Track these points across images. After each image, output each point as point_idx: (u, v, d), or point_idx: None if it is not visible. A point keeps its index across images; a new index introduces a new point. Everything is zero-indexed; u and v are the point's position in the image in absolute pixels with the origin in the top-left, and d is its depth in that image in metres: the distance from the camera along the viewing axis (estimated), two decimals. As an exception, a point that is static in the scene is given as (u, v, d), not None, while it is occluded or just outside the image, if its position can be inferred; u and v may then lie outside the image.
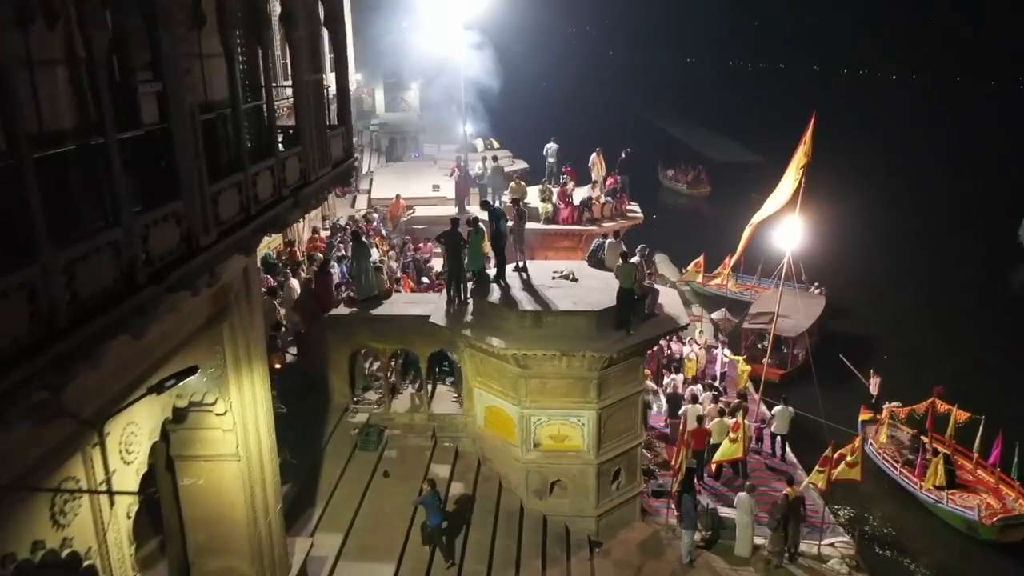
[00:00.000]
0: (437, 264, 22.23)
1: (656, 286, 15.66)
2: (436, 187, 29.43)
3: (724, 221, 44.34)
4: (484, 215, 16.91)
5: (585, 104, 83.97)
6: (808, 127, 19.18)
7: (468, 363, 15.69)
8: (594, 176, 24.20)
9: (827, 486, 15.73)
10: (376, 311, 16.03)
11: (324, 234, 23.25)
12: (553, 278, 16.20)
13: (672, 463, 16.31)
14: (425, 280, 20.84)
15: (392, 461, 15.23)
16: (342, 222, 26.40)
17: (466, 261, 16.00)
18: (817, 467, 15.83)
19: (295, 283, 17.33)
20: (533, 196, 23.78)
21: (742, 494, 15.33)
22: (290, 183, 8.62)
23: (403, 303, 16.54)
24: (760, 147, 64.39)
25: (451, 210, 25.13)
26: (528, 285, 15.87)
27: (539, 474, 15.31)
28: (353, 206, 30.51)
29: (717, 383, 21.77)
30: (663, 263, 37.40)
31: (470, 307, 15.62)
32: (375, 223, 23.57)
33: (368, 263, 16.07)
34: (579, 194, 23.60)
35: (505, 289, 15.67)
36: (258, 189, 7.89)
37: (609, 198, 23.22)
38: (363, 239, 16.59)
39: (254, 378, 9.14)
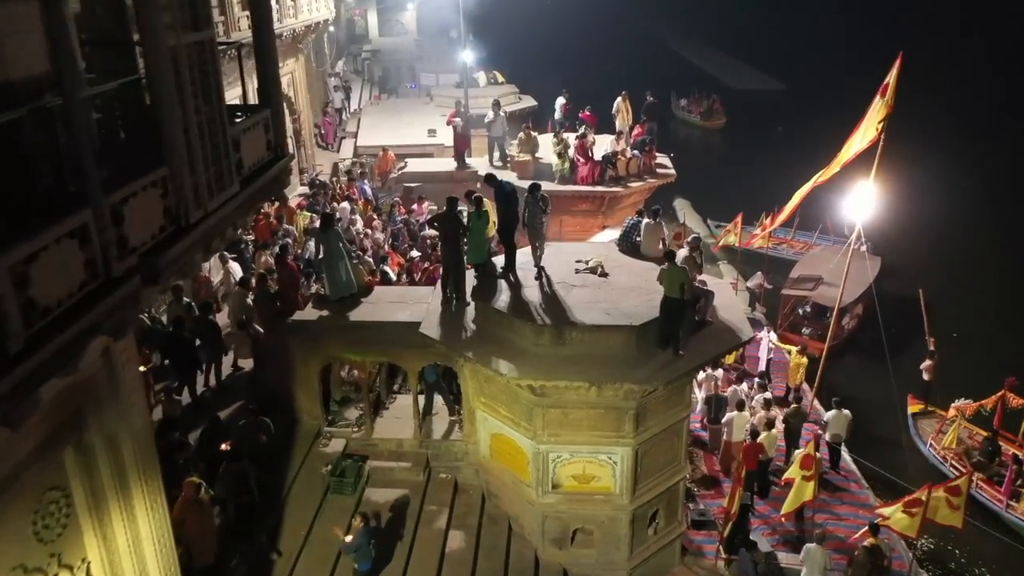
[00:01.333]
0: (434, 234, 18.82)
1: (709, 286, 12.19)
2: (432, 132, 25.58)
3: (739, 157, 40.54)
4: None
5: (591, 24, 78.11)
6: (892, 70, 15.33)
7: (469, 380, 12.45)
8: (618, 125, 20.38)
9: (918, 533, 12.67)
10: (353, 315, 12.65)
11: (299, 199, 19.69)
12: (576, 272, 12.78)
13: (727, 507, 13.19)
14: (416, 254, 17.38)
15: (374, 507, 12.13)
16: (323, 176, 22.76)
17: (466, 251, 12.61)
18: (902, 506, 12.74)
19: (235, 267, 13.96)
20: (545, 147, 20.04)
21: (812, 545, 12.29)
22: (136, 244, 5.10)
23: (387, 302, 13.13)
24: (782, 73, 59.72)
25: (450, 164, 21.46)
26: (544, 283, 12.45)
27: (558, 520, 12.25)
28: (339, 151, 26.76)
29: (760, 374, 18.54)
30: (685, 209, 33.81)
31: (471, 312, 12.27)
32: (358, 182, 19.90)
33: (342, 254, 12.57)
34: (600, 147, 19.82)
35: (515, 289, 12.27)
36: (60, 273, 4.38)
37: (636, 152, 19.51)
38: (335, 223, 12.94)
39: (136, 513, 5.86)
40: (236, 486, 9.65)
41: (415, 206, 20.16)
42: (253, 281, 13.56)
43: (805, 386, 18.62)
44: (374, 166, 22.13)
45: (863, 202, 16.51)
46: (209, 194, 5.62)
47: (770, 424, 15.09)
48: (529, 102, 32.07)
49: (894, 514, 12.46)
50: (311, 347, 12.56)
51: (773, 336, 19.11)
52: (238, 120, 6.63)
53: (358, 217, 17.76)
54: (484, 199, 12.79)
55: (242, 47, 9.06)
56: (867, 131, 15.78)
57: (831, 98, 50.31)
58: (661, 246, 13.41)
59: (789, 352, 18.64)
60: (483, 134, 28.97)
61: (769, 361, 18.99)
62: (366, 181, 20.05)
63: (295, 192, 21.13)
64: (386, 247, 17.65)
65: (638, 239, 13.59)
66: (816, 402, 18.08)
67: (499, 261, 12.99)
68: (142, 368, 11.67)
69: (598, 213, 19.38)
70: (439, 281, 12.98)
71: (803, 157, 40.34)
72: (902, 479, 17.89)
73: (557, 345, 11.21)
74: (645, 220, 13.49)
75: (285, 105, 21.66)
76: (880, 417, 19.13)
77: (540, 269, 12.52)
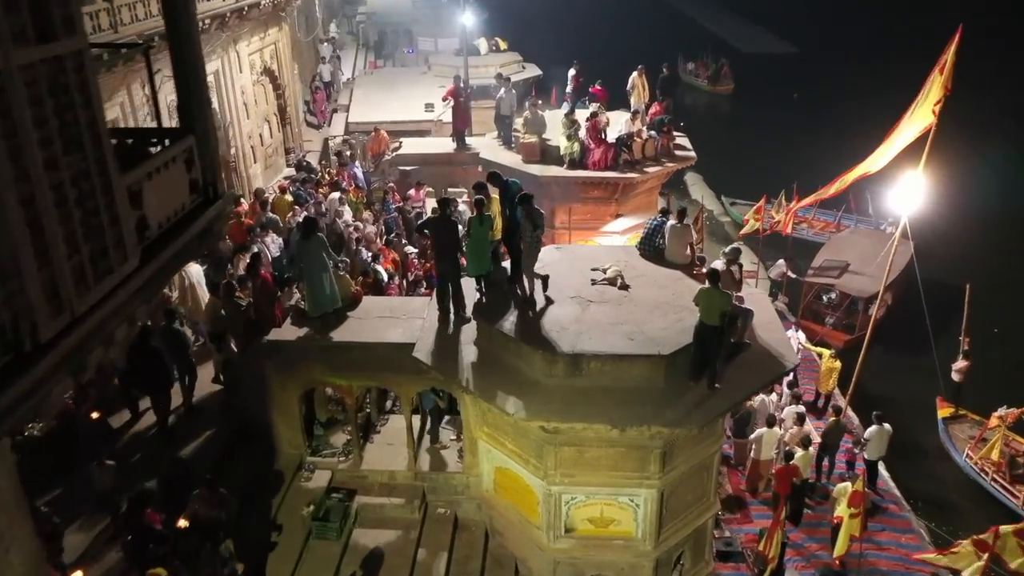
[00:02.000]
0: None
1: (747, 303, 10.54)
2: (430, 107, 23.70)
3: (750, 125, 38.45)
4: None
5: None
6: (950, 47, 13.49)
7: (470, 407, 10.90)
8: (633, 103, 18.54)
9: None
10: (337, 334, 11.03)
11: (281, 180, 17.91)
12: (593, 283, 11.14)
13: (761, 548, 11.73)
14: (412, 250, 15.74)
15: (362, 552, 10.67)
16: (310, 157, 20.96)
17: (466, 261, 10.99)
18: (966, 545, 11.24)
19: (195, 269, 12.36)
20: (553, 126, 18.20)
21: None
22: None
23: (377, 318, 11.50)
24: (794, 35, 57.29)
25: (449, 144, 19.66)
26: (556, 298, 10.82)
27: (572, 567, 10.78)
28: (329, 125, 24.87)
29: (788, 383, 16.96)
30: (697, 184, 32.05)
31: (472, 333, 10.67)
32: (349, 167, 18.13)
33: (325, 265, 10.91)
34: (614, 126, 18.00)
35: (524, 305, 10.64)
36: None
37: (653, 132, 17.71)
38: (317, 229, 11.21)
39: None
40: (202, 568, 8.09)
41: (411, 192, 18.44)
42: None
43: (837, 392, 17.06)
44: (366, 147, 20.34)
45: (910, 194, 14.77)
46: (79, 288, 3.94)
47: (805, 442, 13.59)
48: (533, 71, 30.09)
49: (953, 561, 10.97)
50: (289, 371, 10.98)
51: (801, 336, 17.51)
52: (153, 151, 4.82)
53: (347, 208, 16.07)
54: (486, 199, 11.07)
55: (149, 46, 7.03)
56: (921, 113, 13.98)
57: (847, 63, 48.16)
58: (689, 251, 11.79)
59: (820, 355, 17.03)
60: (483, 106, 27.26)
61: (796, 365, 17.38)
62: (357, 164, 18.29)
63: (280, 175, 19.41)
64: (379, 242, 15.98)
65: (662, 243, 11.94)
66: (850, 410, 16.54)
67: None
68: (94, 415, 10.24)
69: (611, 200, 17.66)
70: (435, 291, 11.34)
71: (821, 126, 38.69)
72: (941, 494, 16.51)
73: (573, 376, 9.63)
74: (671, 222, 11.80)
75: (269, 80, 19.82)
76: (907, 419, 17.55)
77: (543, 280, 10.80)
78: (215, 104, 16.32)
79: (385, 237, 16.09)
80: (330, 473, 11.54)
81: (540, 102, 18.39)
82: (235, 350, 11.54)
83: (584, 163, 17.35)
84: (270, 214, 15.96)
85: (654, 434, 9.21)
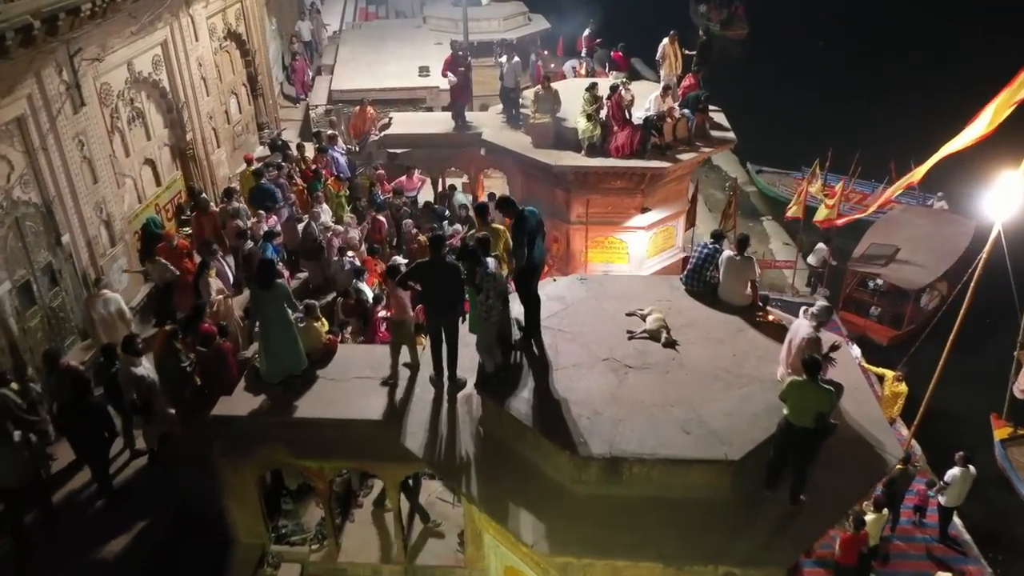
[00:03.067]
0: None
1: (833, 368, 8.06)
2: (425, 71, 20.77)
3: (768, 76, 35.04)
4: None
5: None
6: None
7: (474, 494, 8.53)
8: (663, 76, 15.66)
9: None
10: (303, 405, 8.61)
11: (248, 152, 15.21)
12: (629, 337, 8.67)
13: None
14: (401, 260, 13.17)
15: None
16: (287, 135, 18.18)
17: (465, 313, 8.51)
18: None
19: (112, 297, 9.91)
20: (570, 104, 15.43)
21: None
22: None
23: (355, 378, 9.04)
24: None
25: (446, 120, 16.86)
26: (583, 357, 8.37)
27: None
28: (311, 93, 21.90)
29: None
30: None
31: (475, 409, 8.26)
32: (328, 151, 15.40)
33: (286, 321, 8.40)
34: (639, 104, 15.18)
35: (541, 372, 8.19)
36: None
37: (687, 111, 14.97)
38: (277, 276, 8.55)
39: None
40: None
41: (403, 179, 15.77)
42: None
43: (900, 423, 14.68)
44: (349, 124, 17.55)
45: (1007, 197, 12.12)
46: None
47: (879, 503, 11.28)
48: (540, 24, 26.97)
49: None
50: (244, 452, 8.61)
51: (857, 351, 15.04)
52: None
53: (325, 208, 13.45)
54: (491, 237, 8.51)
55: None
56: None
57: (883, 6, 43.71)
58: (750, 290, 9.28)
59: (881, 377, 14.59)
60: (485, 64, 24.33)
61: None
62: (338, 148, 15.60)
63: (254, 153, 16.71)
64: (362, 249, 13.43)
65: (714, 277, 9.43)
66: (914, 443, 14.15)
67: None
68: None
69: (636, 192, 15.02)
70: (429, 346, 8.87)
71: (855, 80, 35.23)
72: (1005, 531, 14.23)
73: (610, 483, 7.25)
74: (727, 252, 9.25)
75: (235, 46, 16.97)
76: (956, 436, 15.13)
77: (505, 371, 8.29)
78: (164, 82, 13.59)
79: (369, 245, 13.48)
80: (299, 567, 9.28)
81: (546, 79, 15.46)
82: (172, 415, 9.10)
83: (605, 148, 14.66)
84: (236, 203, 13.37)
85: (723, 574, 6.87)
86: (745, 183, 27.61)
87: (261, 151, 17.17)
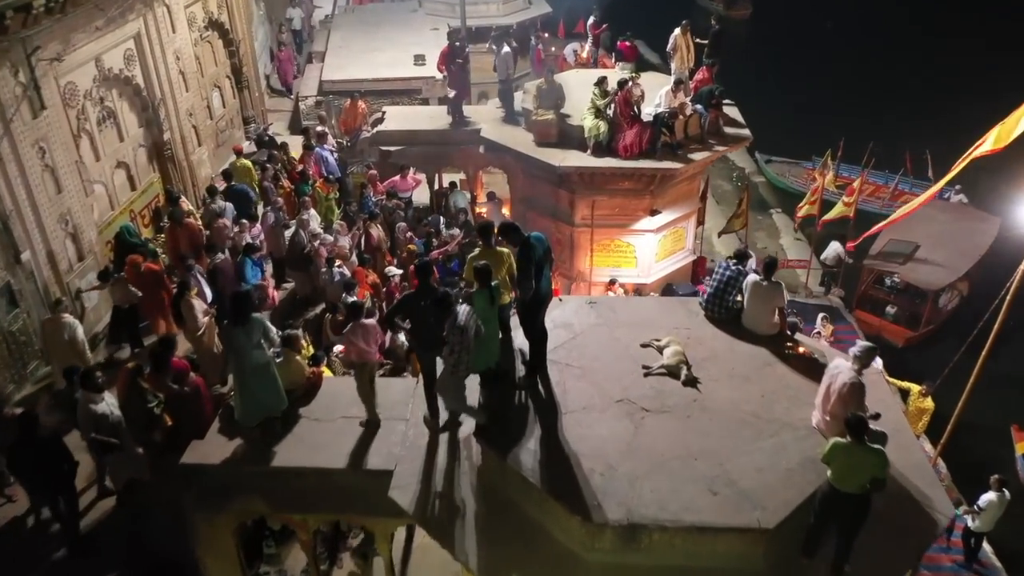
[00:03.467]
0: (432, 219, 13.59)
1: (878, 424, 7.20)
2: (420, 60, 19.73)
3: (773, 59, 33.88)
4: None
5: None
6: None
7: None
8: (675, 70, 14.64)
9: None
10: (283, 451, 7.74)
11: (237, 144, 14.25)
12: (646, 373, 7.80)
13: None
14: (395, 271, 12.30)
15: None
16: (276, 128, 17.17)
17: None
18: None
19: (69, 321, 9.00)
20: (571, 95, 14.42)
21: None
22: None
23: (341, 417, 8.18)
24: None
25: (442, 116, 15.86)
26: (594, 396, 7.51)
27: None
28: (291, 92, 20.63)
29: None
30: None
31: (475, 455, 7.40)
32: (316, 150, 14.42)
33: (265, 360, 7.50)
34: (648, 99, 14.16)
35: (548, 419, 7.32)
36: None
37: (700, 107, 14.00)
38: (252, 306, 7.62)
39: None
40: None
41: (396, 179, 14.80)
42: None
43: (925, 440, 13.85)
44: (339, 120, 16.53)
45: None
46: None
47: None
48: (541, 8, 25.84)
49: None
50: (218, 504, 7.75)
51: (878, 363, 14.11)
52: None
53: (313, 214, 12.51)
54: (494, 262, 7.60)
55: None
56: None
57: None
58: (778, 317, 8.39)
59: (906, 392, 13.72)
60: (482, 50, 23.26)
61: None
62: (327, 147, 14.62)
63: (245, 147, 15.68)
64: (352, 258, 12.53)
65: (737, 301, 8.55)
66: (940, 461, 13.31)
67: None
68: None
69: (645, 193, 14.10)
70: (421, 382, 7.99)
71: (863, 64, 33.94)
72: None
73: (627, 551, 6.41)
74: (752, 276, 8.36)
75: (218, 35, 15.93)
76: (974, 447, 14.30)
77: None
78: (138, 78, 12.60)
79: (359, 253, 12.56)
80: (283, 623, 8.48)
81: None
82: (141, 455, 8.24)
83: (613, 147, 13.71)
84: (220, 201, 12.46)
85: (754, 660, 6.06)
86: (753, 173, 26.65)
87: (248, 147, 16.18)
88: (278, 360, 7.75)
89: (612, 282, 14.75)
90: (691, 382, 7.68)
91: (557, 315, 8.67)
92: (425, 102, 19.10)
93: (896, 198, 23.62)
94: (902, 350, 18.14)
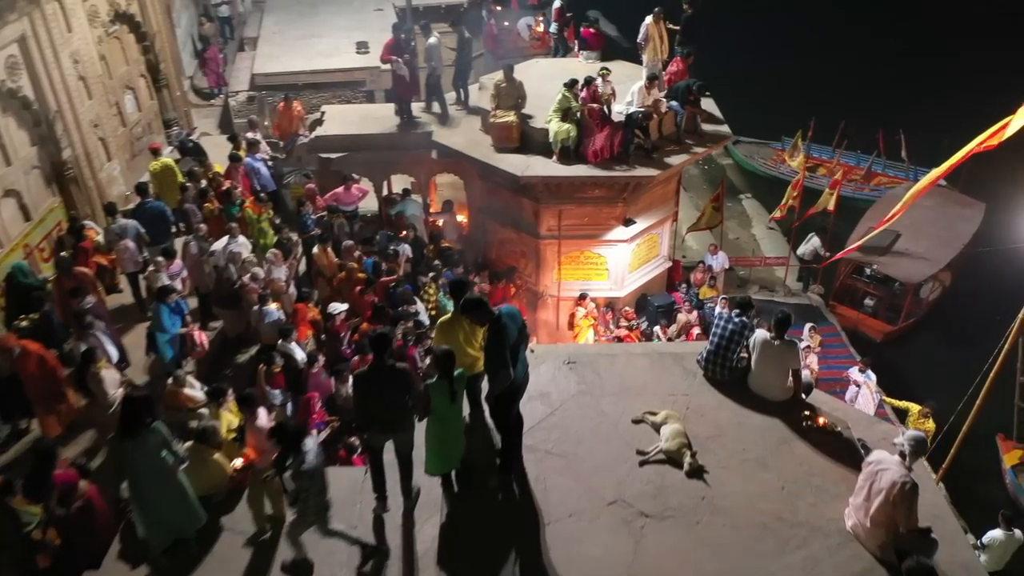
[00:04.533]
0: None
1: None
2: (364, 47, 17.89)
3: (734, 30, 32.45)
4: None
5: None
6: None
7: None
8: (646, 61, 13.16)
9: None
10: (199, 579, 6.26)
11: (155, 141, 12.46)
12: (642, 461, 6.49)
13: None
14: (340, 307, 10.71)
15: None
16: (196, 136, 15.23)
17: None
18: None
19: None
20: (534, 92, 12.89)
21: None
22: None
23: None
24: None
25: (389, 116, 14.17)
26: (582, 497, 6.17)
27: None
28: (221, 91, 18.50)
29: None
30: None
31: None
32: (248, 161, 12.68)
33: (169, 472, 5.96)
34: (619, 97, 12.69)
35: (524, 527, 5.97)
36: None
37: (675, 103, 12.59)
38: (149, 411, 5.99)
39: None
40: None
41: (339, 191, 13.15)
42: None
43: (924, 464, 12.83)
44: (272, 124, 14.69)
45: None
46: None
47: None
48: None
49: None
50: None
51: (872, 378, 13.10)
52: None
53: (243, 242, 10.84)
54: (462, 336, 6.15)
55: None
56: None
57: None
58: (791, 381, 7.12)
59: (905, 412, 12.67)
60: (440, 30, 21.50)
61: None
62: (260, 156, 12.88)
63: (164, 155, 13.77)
64: (290, 290, 10.94)
65: (741, 358, 7.26)
66: (941, 485, 12.31)
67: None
68: None
69: (617, 201, 12.72)
70: (369, 472, 6.54)
71: (835, 31, 32.27)
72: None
73: None
74: (761, 333, 7.05)
75: (128, 29, 13.97)
76: (965, 457, 13.28)
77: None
78: (26, 90, 10.70)
79: (298, 290, 10.96)
80: None
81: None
82: None
83: (581, 151, 12.27)
84: (121, 220, 10.70)
85: None
86: (720, 155, 25.41)
87: (168, 155, 14.29)
88: (183, 465, 6.22)
89: (582, 297, 13.49)
90: (697, 472, 6.39)
91: (531, 381, 7.28)
92: (370, 95, 17.34)
93: (869, 180, 22.71)
94: (881, 345, 17.28)
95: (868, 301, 17.90)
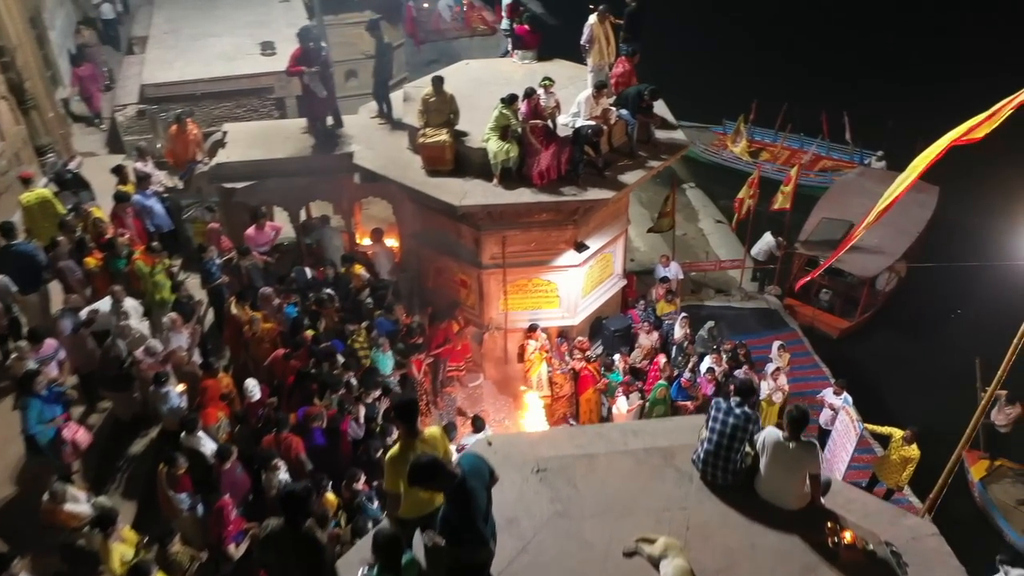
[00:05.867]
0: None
1: None
2: (270, 48, 15.86)
3: (673, 12, 31.45)
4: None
5: None
6: None
7: None
8: (591, 64, 11.66)
9: None
10: None
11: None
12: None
13: None
14: (252, 390, 9.05)
15: None
16: (76, 165, 13.07)
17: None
18: None
19: None
20: (467, 104, 11.32)
21: None
22: None
23: None
24: None
25: (304, 137, 12.40)
26: None
27: None
28: (100, 118, 15.85)
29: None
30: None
31: None
32: (137, 198, 10.77)
33: None
34: (564, 107, 11.19)
35: None
36: None
37: (625, 112, 11.19)
38: None
39: None
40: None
41: (250, 231, 11.36)
42: None
43: (908, 492, 12.00)
44: (164, 150, 12.60)
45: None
46: None
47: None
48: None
49: None
50: None
51: (850, 402, 12.09)
52: None
53: (133, 305, 9.05)
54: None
55: None
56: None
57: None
58: (808, 486, 5.90)
59: (888, 438, 11.67)
60: (345, 22, 19.63)
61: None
62: (152, 192, 10.95)
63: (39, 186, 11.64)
64: (195, 358, 9.23)
65: (746, 456, 6.01)
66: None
67: None
68: None
69: (567, 224, 11.34)
70: None
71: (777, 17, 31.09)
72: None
73: None
74: (772, 432, 5.80)
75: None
76: (931, 470, 12.48)
77: None
78: None
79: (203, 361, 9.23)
80: None
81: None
82: None
83: (525, 172, 10.81)
84: None
85: None
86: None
87: (41, 188, 12.15)
88: None
89: (532, 328, 12.16)
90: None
91: (495, 502, 5.87)
92: (280, 104, 15.39)
93: (813, 165, 21.93)
94: (838, 341, 16.56)
95: (823, 295, 17.15)
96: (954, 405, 13.37)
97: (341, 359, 9.61)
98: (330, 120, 12.04)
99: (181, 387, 8.68)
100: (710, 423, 6.15)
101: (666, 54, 20.78)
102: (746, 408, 6.04)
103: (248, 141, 12.24)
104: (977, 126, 8.57)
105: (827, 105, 21.44)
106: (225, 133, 12.44)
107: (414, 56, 25.81)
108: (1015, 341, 5.89)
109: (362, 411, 9.28)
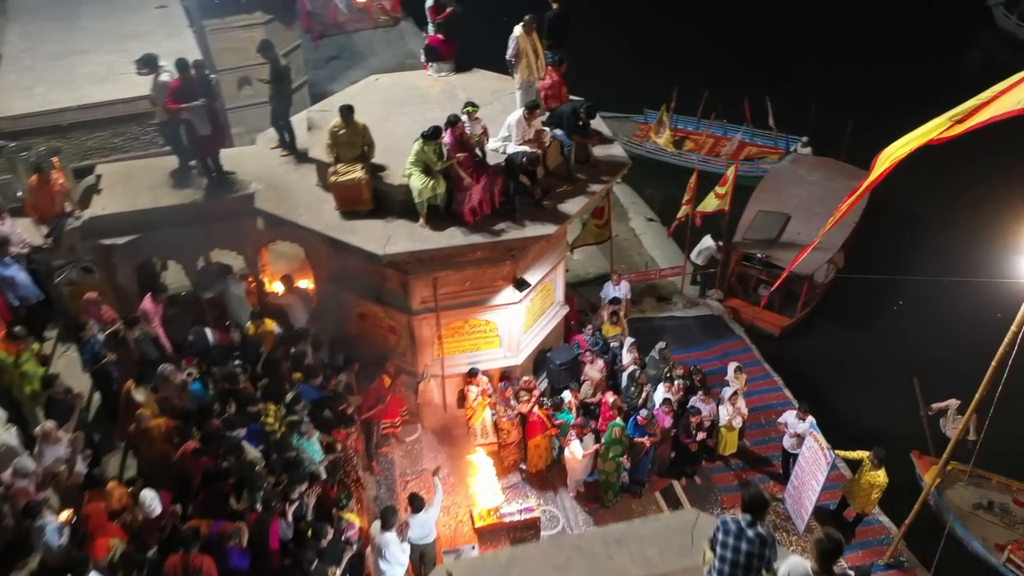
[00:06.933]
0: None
1: None
2: (146, 65, 13.82)
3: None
4: None
5: None
6: None
7: None
8: (519, 81, 10.37)
9: None
10: None
11: None
12: None
13: None
14: (151, 503, 7.55)
15: None
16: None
17: None
18: None
19: None
20: (383, 134, 9.89)
21: None
22: None
23: None
24: None
25: (193, 178, 10.72)
26: None
27: None
28: None
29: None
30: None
31: None
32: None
33: None
34: (493, 127, 9.90)
35: None
36: None
37: (559, 132, 9.99)
38: None
39: None
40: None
41: (146, 305, 9.69)
42: None
43: (880, 513, 11.41)
44: (25, 204, 10.55)
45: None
46: None
47: None
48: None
49: None
50: None
51: (816, 427, 11.35)
52: None
53: (-9, 417, 7.41)
54: None
55: None
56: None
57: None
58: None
59: (857, 463, 10.98)
60: (236, 24, 17.81)
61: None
62: (11, 258, 9.14)
63: None
64: (79, 468, 7.62)
65: (749, 552, 5.02)
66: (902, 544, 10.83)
67: None
68: None
69: (504, 259, 10.14)
70: None
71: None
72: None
73: None
74: (797, 565, 4.82)
75: None
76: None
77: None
78: None
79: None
80: None
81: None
82: None
83: (456, 208, 9.53)
84: None
85: None
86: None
87: None
88: None
89: (472, 374, 11.01)
90: None
91: None
92: (163, 132, 13.45)
93: (739, 152, 21.35)
94: (779, 339, 16.09)
95: (762, 290, 16.61)
96: (895, 401, 13.12)
97: (256, 452, 8.18)
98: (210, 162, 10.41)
99: (64, 515, 7.11)
100: (718, 549, 5.13)
101: (581, 41, 19.75)
102: (759, 529, 5.05)
103: (127, 186, 10.45)
104: (951, 127, 7.79)
105: (748, 91, 20.93)
106: (99, 177, 10.60)
107: (312, 54, 23.97)
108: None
109: (291, 510, 7.94)
